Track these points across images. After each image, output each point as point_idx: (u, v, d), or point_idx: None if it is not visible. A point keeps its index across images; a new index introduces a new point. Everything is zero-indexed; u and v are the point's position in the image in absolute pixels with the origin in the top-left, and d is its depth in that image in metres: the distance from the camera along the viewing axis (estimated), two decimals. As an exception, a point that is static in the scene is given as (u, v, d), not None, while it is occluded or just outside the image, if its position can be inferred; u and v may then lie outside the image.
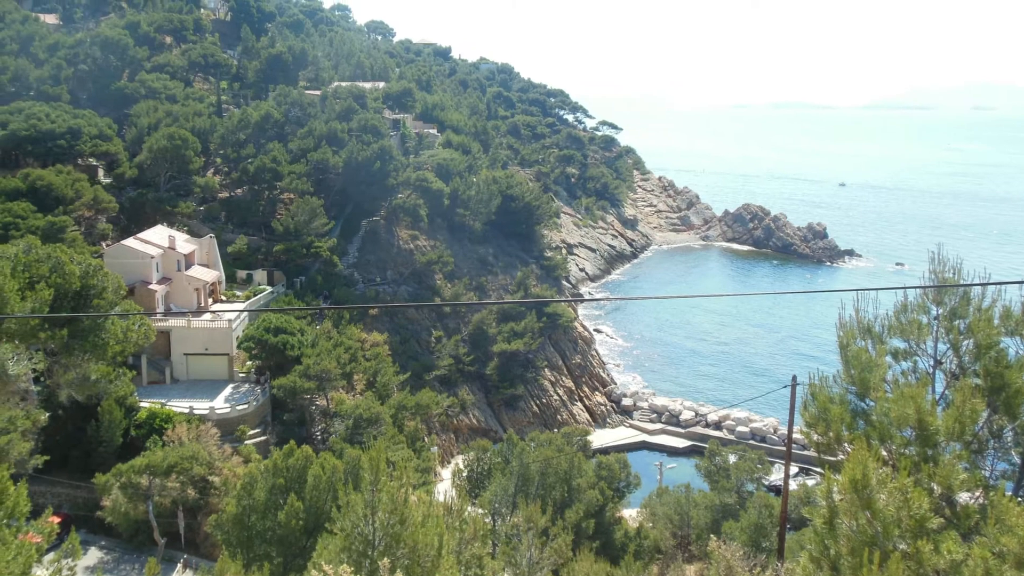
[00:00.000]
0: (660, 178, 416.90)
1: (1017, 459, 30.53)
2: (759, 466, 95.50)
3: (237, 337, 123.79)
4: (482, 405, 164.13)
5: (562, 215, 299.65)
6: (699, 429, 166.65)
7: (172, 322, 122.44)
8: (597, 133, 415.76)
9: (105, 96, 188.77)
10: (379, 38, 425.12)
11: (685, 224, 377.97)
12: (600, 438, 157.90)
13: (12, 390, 75.99)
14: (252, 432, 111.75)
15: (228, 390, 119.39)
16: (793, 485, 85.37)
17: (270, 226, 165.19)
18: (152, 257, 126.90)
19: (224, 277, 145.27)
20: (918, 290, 34.00)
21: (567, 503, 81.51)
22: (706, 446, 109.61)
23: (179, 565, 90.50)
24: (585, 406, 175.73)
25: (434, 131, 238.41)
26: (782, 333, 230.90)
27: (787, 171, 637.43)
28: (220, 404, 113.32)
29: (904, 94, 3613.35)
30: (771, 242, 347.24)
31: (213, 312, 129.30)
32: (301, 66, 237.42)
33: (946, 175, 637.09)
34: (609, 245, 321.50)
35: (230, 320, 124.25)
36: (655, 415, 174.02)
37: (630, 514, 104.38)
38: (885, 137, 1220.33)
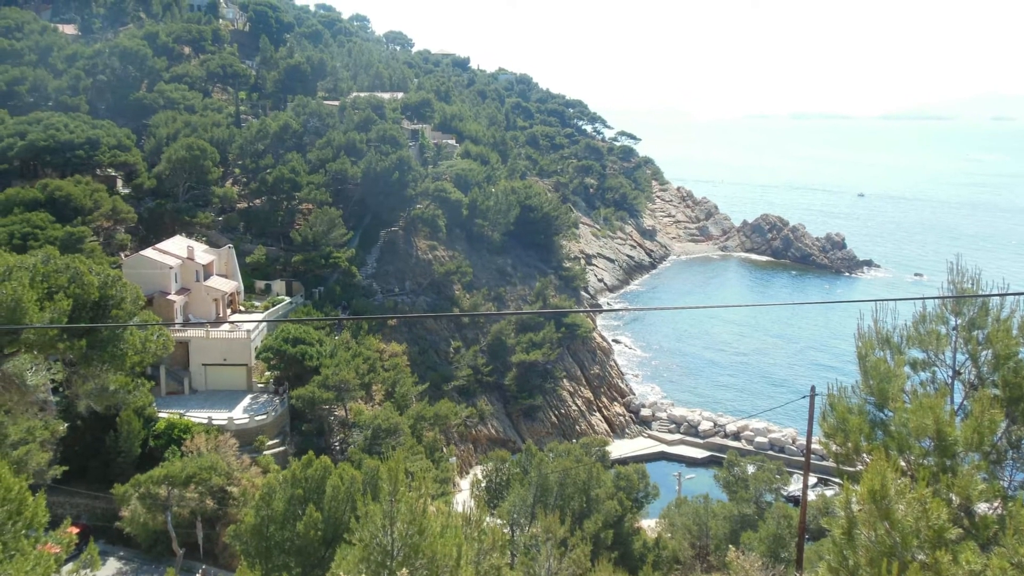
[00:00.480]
0: (679, 188, 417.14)
1: (1035, 469, 30.46)
2: (777, 476, 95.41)
3: (256, 348, 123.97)
4: (501, 416, 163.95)
5: (581, 225, 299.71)
6: (718, 439, 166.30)
7: (191, 333, 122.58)
8: (616, 144, 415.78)
9: (124, 106, 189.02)
10: (398, 48, 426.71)
11: (703, 234, 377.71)
12: (619, 448, 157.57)
13: (31, 401, 76.03)
14: (271, 443, 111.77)
15: (247, 401, 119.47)
16: (812, 495, 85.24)
17: (289, 236, 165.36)
18: (171, 268, 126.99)
19: (243, 288, 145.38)
20: (937, 301, 33.94)
21: (586, 513, 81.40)
22: (724, 456, 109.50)
23: (198, 575, 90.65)
24: (604, 416, 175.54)
25: (453, 141, 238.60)
26: (801, 344, 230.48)
27: (806, 181, 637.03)
28: (239, 415, 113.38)
29: (923, 104, 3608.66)
30: (790, 252, 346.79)
31: (232, 323, 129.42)
32: (320, 76, 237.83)
33: (965, 185, 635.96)
34: (627, 255, 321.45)
35: (249, 331, 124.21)
36: (674, 425, 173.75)
37: (649, 524, 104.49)
38: (904, 147, 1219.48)
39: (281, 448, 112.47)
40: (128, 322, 71.23)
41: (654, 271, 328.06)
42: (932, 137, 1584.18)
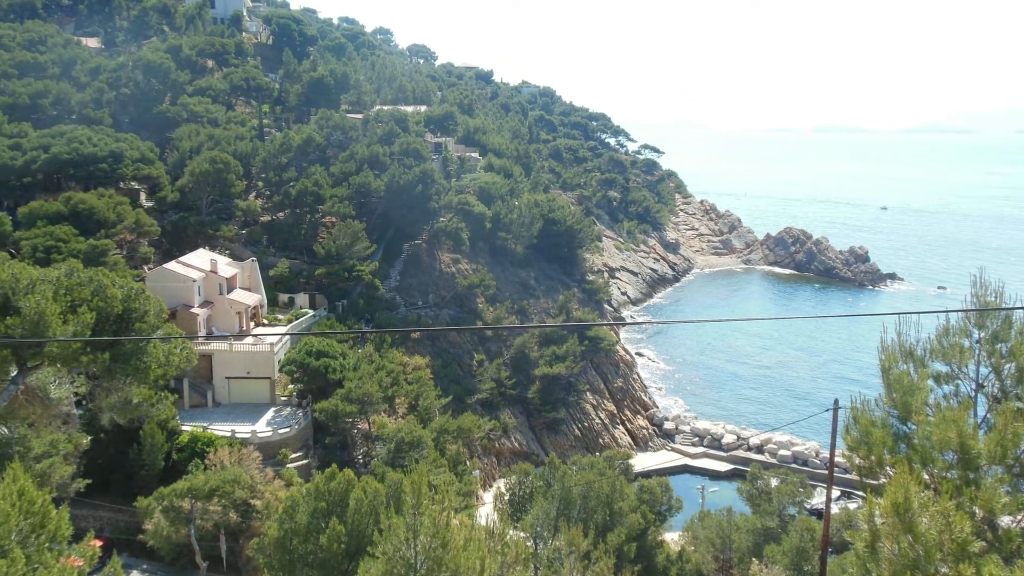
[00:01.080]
0: (702, 201, 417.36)
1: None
2: (801, 489, 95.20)
3: (279, 361, 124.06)
4: (524, 429, 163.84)
5: (604, 239, 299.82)
6: (741, 453, 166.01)
7: (214, 346, 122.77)
8: (639, 157, 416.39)
9: (147, 120, 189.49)
10: (421, 61, 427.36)
11: (727, 248, 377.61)
12: (642, 462, 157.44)
13: (54, 414, 76.16)
14: (294, 456, 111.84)
15: (270, 414, 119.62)
16: (835, 509, 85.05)
17: (312, 250, 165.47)
18: (194, 281, 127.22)
19: (266, 301, 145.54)
20: (960, 314, 33.87)
21: (609, 526, 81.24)
22: (748, 470, 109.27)
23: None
24: (627, 430, 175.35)
25: (476, 155, 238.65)
26: (824, 357, 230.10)
27: (829, 195, 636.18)
28: (262, 428, 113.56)
29: (946, 118, 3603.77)
30: (813, 266, 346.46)
31: (255, 336, 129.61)
32: (343, 90, 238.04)
33: (988, 199, 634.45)
34: (651, 269, 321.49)
35: (272, 344, 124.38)
36: (697, 439, 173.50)
37: (672, 538, 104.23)
38: (927, 161, 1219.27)
39: (304, 461, 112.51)
40: (151, 335, 71.39)
41: (677, 284, 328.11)
42: (955, 150, 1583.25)
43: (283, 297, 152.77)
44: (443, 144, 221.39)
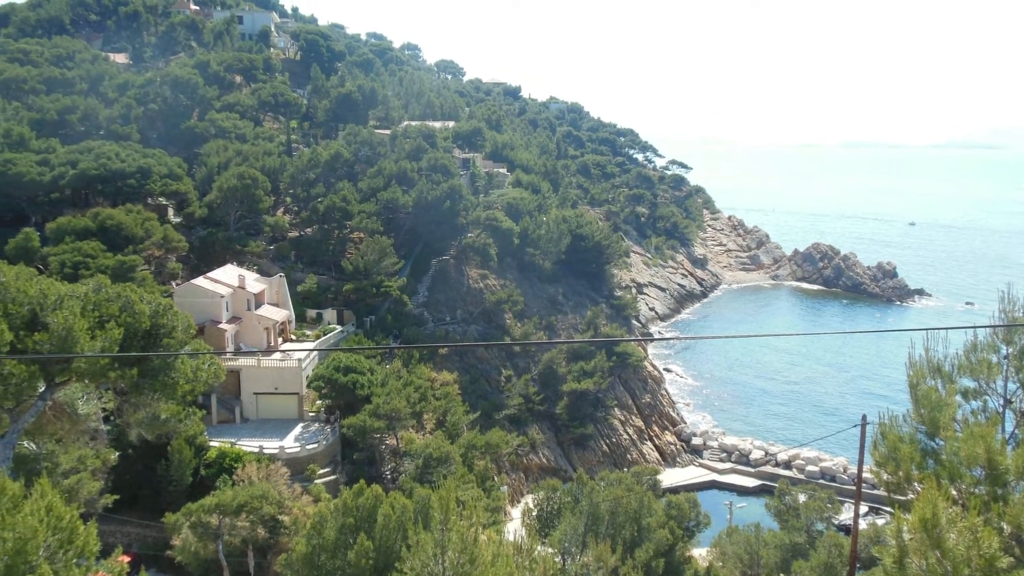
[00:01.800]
0: (730, 217, 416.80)
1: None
2: (829, 505, 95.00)
3: (307, 376, 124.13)
4: (552, 444, 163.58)
5: (632, 254, 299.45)
6: (769, 468, 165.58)
7: (242, 361, 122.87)
8: (667, 172, 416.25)
9: (175, 135, 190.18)
10: (449, 77, 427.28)
11: (755, 263, 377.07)
12: (670, 477, 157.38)
13: (82, 429, 76.41)
14: (322, 471, 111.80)
15: (298, 429, 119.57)
16: (863, 524, 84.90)
17: (340, 265, 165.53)
18: (222, 296, 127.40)
19: (294, 316, 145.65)
20: (988, 329, 33.80)
21: (637, 542, 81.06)
22: (776, 485, 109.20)
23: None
24: (655, 445, 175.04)
25: (504, 170, 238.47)
26: (852, 372, 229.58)
27: (856, 210, 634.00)
28: (290, 443, 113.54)
29: (975, 133, 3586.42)
30: (841, 281, 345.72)
31: (283, 351, 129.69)
32: (371, 105, 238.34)
33: (1017, 214, 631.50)
34: (679, 284, 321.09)
35: (300, 359, 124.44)
36: (725, 454, 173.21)
37: (700, 553, 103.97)
38: (955, 176, 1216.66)
39: (332, 477, 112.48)
40: (179, 351, 71.48)
41: (705, 300, 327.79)
42: (984, 166, 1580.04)
43: (311, 313, 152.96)
44: (471, 160, 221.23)
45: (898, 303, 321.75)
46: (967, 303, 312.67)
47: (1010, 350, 33.04)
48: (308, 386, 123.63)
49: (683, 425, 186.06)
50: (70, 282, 77.26)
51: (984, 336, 33.74)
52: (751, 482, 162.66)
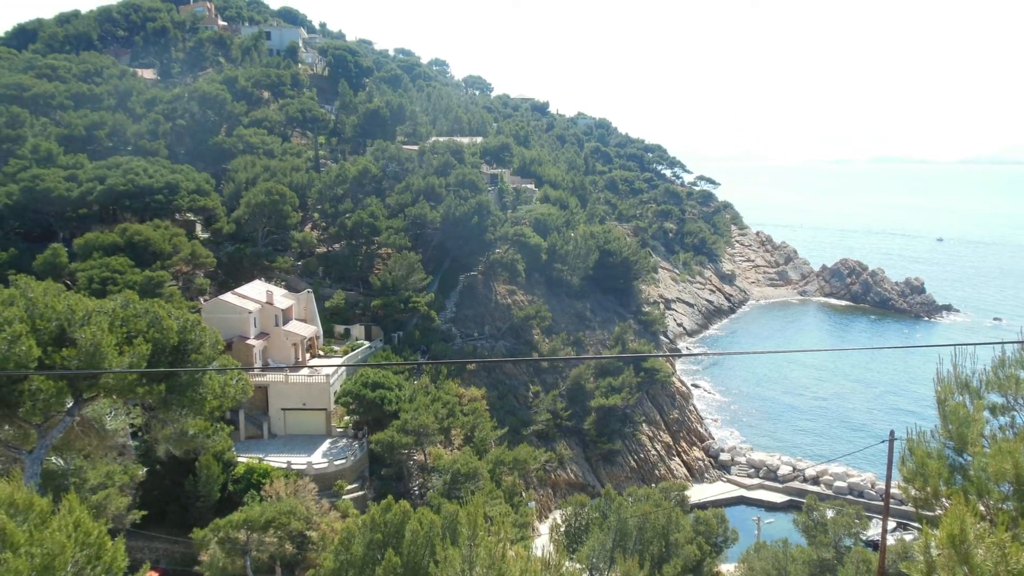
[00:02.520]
0: (758, 233, 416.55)
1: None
2: (857, 521, 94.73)
3: (335, 392, 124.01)
4: (580, 460, 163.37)
5: (660, 270, 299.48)
6: (797, 484, 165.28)
7: (270, 377, 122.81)
8: (695, 188, 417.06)
9: (203, 151, 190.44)
10: (477, 93, 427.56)
11: (783, 279, 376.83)
12: (698, 493, 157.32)
13: (110, 445, 76.53)
14: (350, 487, 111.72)
15: (326, 445, 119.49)
16: (891, 540, 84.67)
17: (368, 281, 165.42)
18: (250, 312, 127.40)
19: (322, 332, 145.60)
20: (1016, 345, 33.66)
21: (665, 558, 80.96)
22: (804, 501, 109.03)
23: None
24: (683, 461, 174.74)
25: (532, 186, 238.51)
26: (880, 388, 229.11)
27: (884, 226, 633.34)
28: (318, 459, 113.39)
29: (1004, 149, 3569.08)
30: (869, 297, 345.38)
31: (311, 367, 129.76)
32: (399, 121, 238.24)
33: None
34: (707, 300, 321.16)
35: (328, 375, 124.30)
36: (753, 470, 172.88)
37: (728, 569, 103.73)
38: (984, 192, 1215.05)
39: (360, 493, 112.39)
40: (207, 367, 71.57)
41: (733, 315, 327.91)
42: (1012, 181, 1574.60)
43: (339, 328, 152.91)
44: (499, 175, 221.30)
45: (926, 319, 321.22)
46: (995, 319, 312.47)
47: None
48: (336, 402, 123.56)
49: (711, 441, 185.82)
50: (98, 298, 77.32)
51: (1012, 352, 33.63)
52: (779, 498, 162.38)
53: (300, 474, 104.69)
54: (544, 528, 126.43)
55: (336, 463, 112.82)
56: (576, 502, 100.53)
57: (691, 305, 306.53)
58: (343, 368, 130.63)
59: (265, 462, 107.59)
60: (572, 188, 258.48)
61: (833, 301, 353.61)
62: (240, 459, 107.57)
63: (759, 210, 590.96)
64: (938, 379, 34.62)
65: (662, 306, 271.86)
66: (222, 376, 72.22)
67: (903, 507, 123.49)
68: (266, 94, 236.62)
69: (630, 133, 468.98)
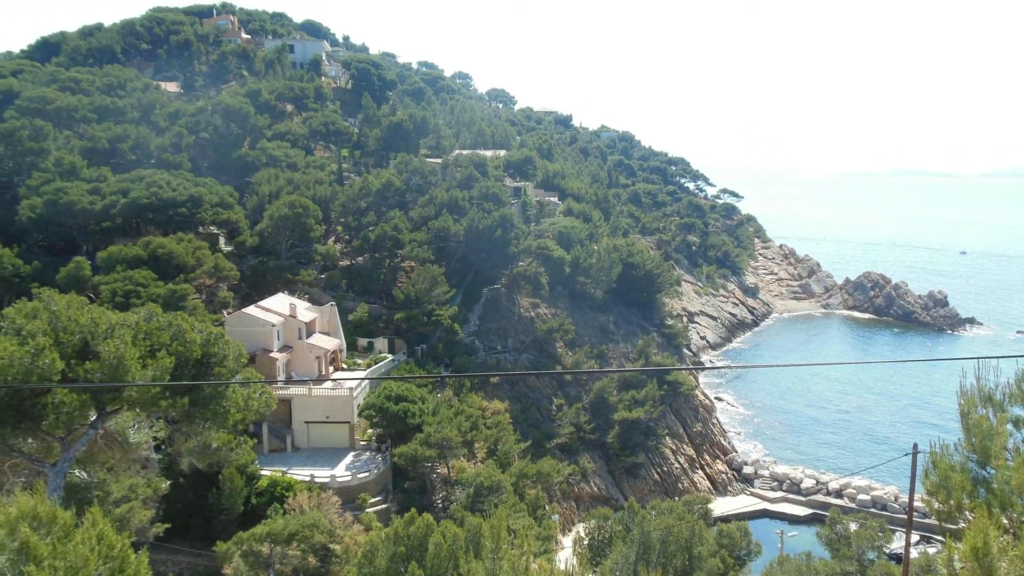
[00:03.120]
0: (781, 246, 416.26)
1: None
2: (880, 534, 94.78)
3: (358, 405, 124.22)
4: (603, 473, 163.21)
5: (683, 283, 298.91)
6: (820, 497, 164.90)
7: (293, 390, 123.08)
8: (718, 201, 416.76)
9: (226, 164, 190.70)
10: (500, 106, 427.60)
11: (806, 292, 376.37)
12: (721, 506, 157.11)
13: (133, 458, 76.58)
14: (373, 500, 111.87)
15: (349, 458, 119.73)
16: (914, 553, 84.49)
17: (391, 294, 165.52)
18: (273, 325, 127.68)
19: (345, 345, 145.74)
20: (1039, 357, 33.57)
21: (688, 571, 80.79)
22: (827, 514, 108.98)
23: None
24: (706, 474, 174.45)
25: (555, 199, 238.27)
26: (903, 401, 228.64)
27: (908, 239, 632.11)
28: (341, 472, 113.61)
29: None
30: (892, 310, 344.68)
31: (334, 380, 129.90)
32: (422, 134, 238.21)
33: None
34: (730, 313, 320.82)
35: (351, 388, 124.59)
36: (776, 483, 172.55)
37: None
38: (1008, 204, 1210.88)
39: (383, 506, 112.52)
40: (231, 379, 71.67)
41: (756, 329, 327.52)
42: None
43: (362, 341, 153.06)
44: (522, 188, 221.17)
45: (949, 332, 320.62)
46: (1018, 332, 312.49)
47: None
48: (359, 415, 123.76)
49: (734, 454, 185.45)
50: (121, 311, 77.44)
51: (1035, 365, 33.52)
52: (802, 511, 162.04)
53: (323, 487, 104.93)
54: (567, 541, 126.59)
55: (359, 476, 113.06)
56: (599, 515, 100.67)
57: (714, 318, 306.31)
58: (366, 381, 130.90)
59: (288, 475, 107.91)
60: (595, 201, 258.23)
61: (856, 314, 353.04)
62: (263, 472, 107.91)
63: (782, 223, 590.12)
64: (961, 392, 34.49)
65: (685, 319, 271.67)
66: (245, 389, 72.29)
67: (926, 520, 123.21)
68: (289, 107, 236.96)
69: (653, 146, 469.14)
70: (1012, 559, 23.75)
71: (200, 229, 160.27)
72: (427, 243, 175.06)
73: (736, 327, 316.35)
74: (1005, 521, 29.29)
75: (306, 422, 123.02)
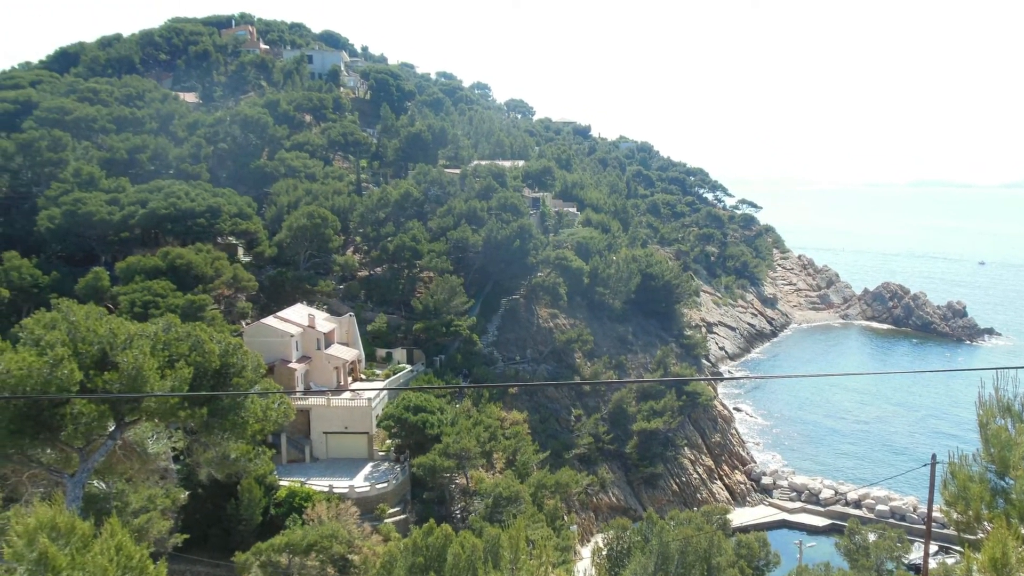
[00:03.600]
0: (800, 256, 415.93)
1: None
2: (899, 545, 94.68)
3: (377, 416, 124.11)
4: (622, 483, 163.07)
5: (702, 294, 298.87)
6: (839, 508, 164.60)
7: (312, 401, 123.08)
8: (737, 212, 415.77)
9: (244, 174, 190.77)
10: (519, 116, 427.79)
11: (825, 303, 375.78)
12: (740, 517, 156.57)
13: (152, 468, 76.68)
14: (391, 511, 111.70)
15: (367, 469, 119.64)
16: (933, 563, 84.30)
17: (410, 304, 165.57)
18: (292, 336, 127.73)
19: (364, 355, 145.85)
20: (1058, 368, 33.52)
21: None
22: (846, 525, 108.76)
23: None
24: (725, 484, 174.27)
25: (573, 209, 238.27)
26: (921, 412, 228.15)
27: (926, 250, 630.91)
28: (360, 483, 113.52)
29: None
30: (911, 321, 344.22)
31: (353, 391, 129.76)
32: (440, 144, 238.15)
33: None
34: (749, 324, 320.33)
35: (370, 399, 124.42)
36: (794, 494, 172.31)
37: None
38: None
39: (402, 516, 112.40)
40: (249, 390, 71.74)
41: (775, 339, 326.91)
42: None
43: (381, 352, 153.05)
44: (541, 199, 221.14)
45: (968, 342, 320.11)
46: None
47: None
48: (378, 425, 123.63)
49: (753, 464, 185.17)
50: (140, 321, 77.45)
51: (1054, 375, 33.47)
52: (821, 521, 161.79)
53: (342, 498, 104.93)
54: (586, 552, 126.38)
55: (378, 487, 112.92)
56: (618, 526, 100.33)
57: (733, 329, 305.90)
58: (385, 392, 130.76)
59: (307, 486, 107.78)
60: (614, 212, 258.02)
61: (875, 325, 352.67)
62: (282, 483, 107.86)
63: (800, 233, 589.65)
64: (980, 403, 34.47)
65: (704, 330, 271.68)
66: (264, 400, 72.39)
67: (945, 530, 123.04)
68: (308, 117, 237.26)
69: (672, 157, 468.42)
70: (1030, 569, 23.74)
71: (219, 240, 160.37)
72: (446, 254, 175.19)
73: (755, 338, 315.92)
74: (1023, 531, 29.23)
75: (325, 433, 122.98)
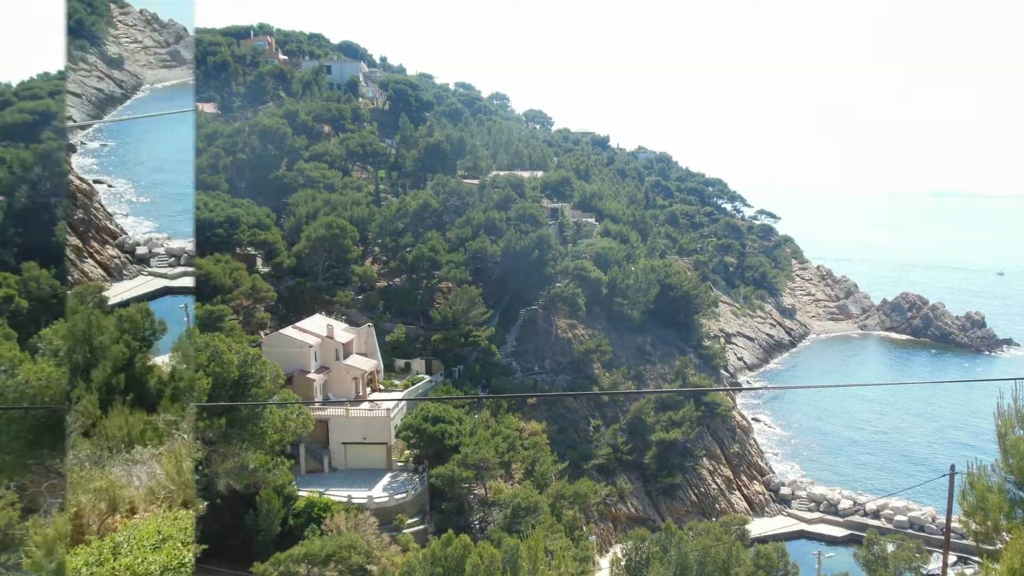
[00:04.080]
0: (818, 267, 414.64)
1: None
2: (917, 555, 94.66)
3: (395, 426, 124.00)
4: (640, 494, 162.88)
5: (720, 304, 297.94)
6: (857, 518, 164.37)
7: (330, 411, 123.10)
8: (755, 222, 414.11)
9: (263, 185, 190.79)
10: (537, 127, 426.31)
11: (843, 313, 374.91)
12: (758, 527, 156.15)
13: (170, 478, 76.74)
14: (410, 521, 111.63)
15: (386, 479, 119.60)
16: (951, 574, 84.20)
17: (428, 315, 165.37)
18: (310, 346, 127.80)
19: (382, 366, 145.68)
20: (1077, 378, 33.43)
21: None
22: (864, 535, 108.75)
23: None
24: (743, 495, 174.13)
25: (592, 220, 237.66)
26: (940, 422, 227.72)
27: (945, 260, 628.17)
28: (378, 493, 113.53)
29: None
30: (929, 331, 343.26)
31: (371, 401, 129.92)
32: (459, 155, 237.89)
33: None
34: (767, 334, 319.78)
35: (388, 409, 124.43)
36: (813, 504, 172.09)
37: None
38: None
39: (421, 527, 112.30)
40: (268, 401, 71.87)
41: (793, 350, 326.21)
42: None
43: (399, 362, 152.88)
44: (559, 209, 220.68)
45: (987, 353, 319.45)
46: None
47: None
48: (396, 436, 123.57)
49: (771, 475, 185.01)
50: (159, 331, 77.75)
51: (1073, 385, 33.38)
52: (839, 532, 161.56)
53: (361, 508, 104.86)
54: (605, 562, 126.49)
55: (397, 497, 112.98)
56: (637, 536, 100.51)
57: (751, 339, 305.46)
58: (404, 402, 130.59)
59: (326, 496, 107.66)
60: (633, 222, 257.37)
61: (894, 335, 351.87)
62: (301, 493, 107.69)
63: (819, 244, 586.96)
64: (999, 413, 34.33)
65: (722, 340, 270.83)
66: (283, 410, 72.59)
67: (964, 541, 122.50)
68: (327, 128, 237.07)
69: (690, 167, 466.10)
70: (1049, 581, 23.70)
71: (237, 250, 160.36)
72: (464, 264, 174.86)
73: (773, 348, 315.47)
74: (1042, 542, 29.17)
75: (343, 443, 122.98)
